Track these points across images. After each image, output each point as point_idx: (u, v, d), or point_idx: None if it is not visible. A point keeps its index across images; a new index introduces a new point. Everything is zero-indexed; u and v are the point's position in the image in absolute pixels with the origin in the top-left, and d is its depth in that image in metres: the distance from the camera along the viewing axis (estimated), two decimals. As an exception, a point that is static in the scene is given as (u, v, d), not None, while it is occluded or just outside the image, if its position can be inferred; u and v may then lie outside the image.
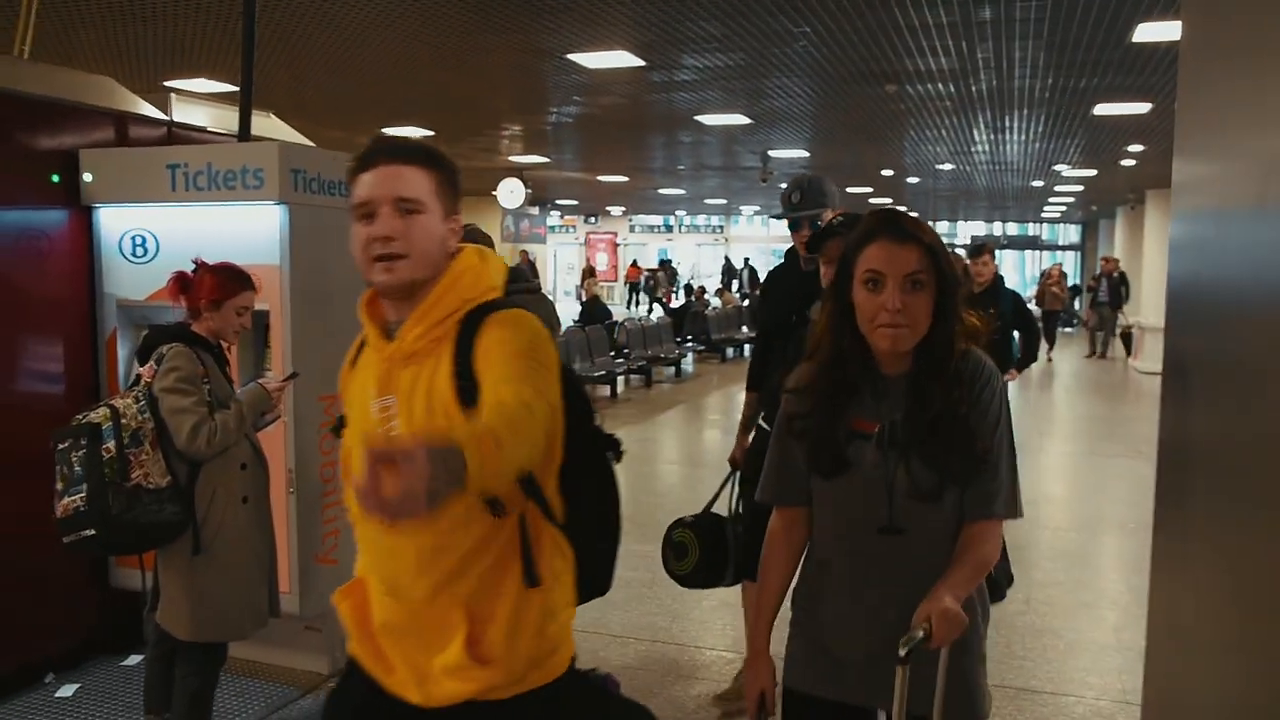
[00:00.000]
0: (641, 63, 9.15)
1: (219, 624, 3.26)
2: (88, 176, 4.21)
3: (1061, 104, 11.13)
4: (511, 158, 18.04)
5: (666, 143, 16.19)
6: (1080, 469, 9.33)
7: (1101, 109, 11.34)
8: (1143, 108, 11.09)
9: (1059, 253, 37.29)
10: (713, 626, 5.03)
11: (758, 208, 33.91)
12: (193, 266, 3.34)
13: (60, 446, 3.11)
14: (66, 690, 4.09)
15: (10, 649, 4.00)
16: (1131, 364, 17.43)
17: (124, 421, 3.12)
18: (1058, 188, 22.50)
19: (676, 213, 37.48)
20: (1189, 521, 1.81)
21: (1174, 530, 1.96)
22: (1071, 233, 39.14)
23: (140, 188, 4.16)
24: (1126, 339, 19.12)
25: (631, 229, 39.11)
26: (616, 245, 38.46)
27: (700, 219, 39.16)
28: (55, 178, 4.17)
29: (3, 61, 4.28)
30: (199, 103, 5.13)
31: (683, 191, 26.12)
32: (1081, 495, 8.29)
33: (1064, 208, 29.95)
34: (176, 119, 4.72)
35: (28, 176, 4.10)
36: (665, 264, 32.13)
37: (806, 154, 16.68)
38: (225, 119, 4.95)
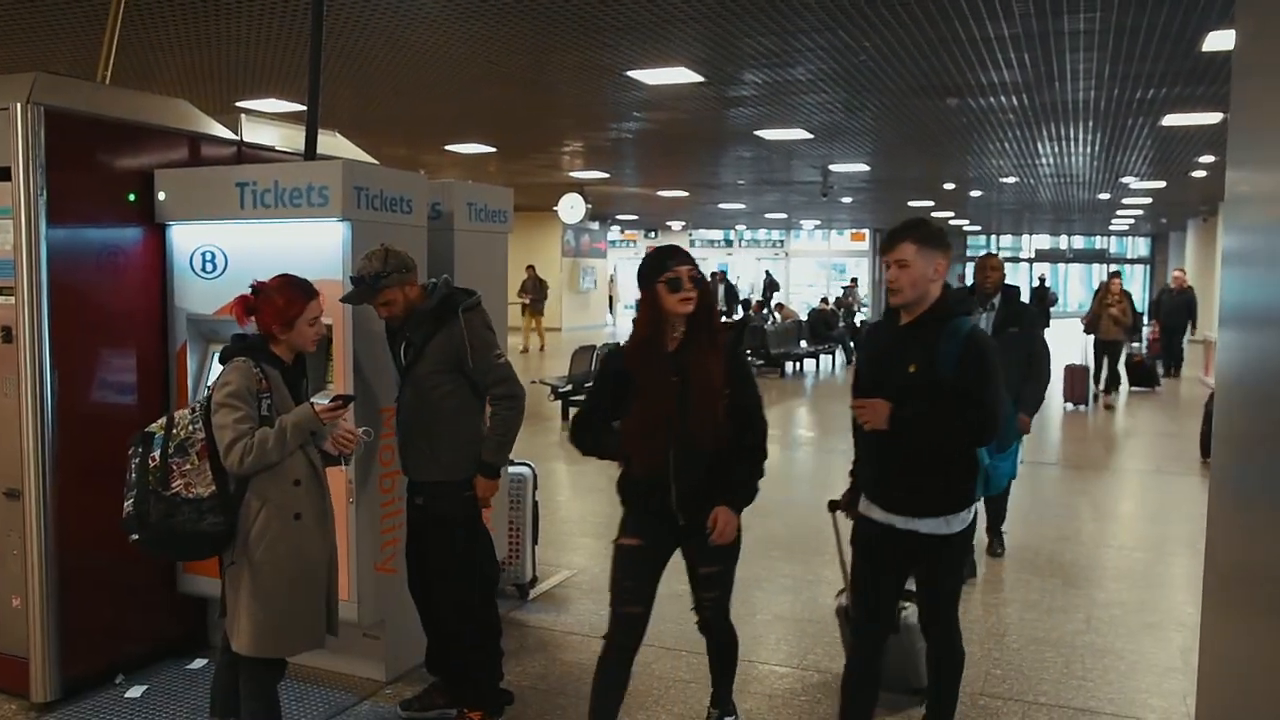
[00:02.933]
0: (701, 79, 9.20)
1: (265, 638, 3.27)
2: (161, 195, 4.37)
3: (1128, 115, 10.94)
4: (572, 173, 18.21)
5: (726, 158, 16.22)
6: (1147, 488, 9.12)
7: (1170, 120, 11.12)
8: (1214, 118, 10.85)
9: (1127, 266, 36.52)
10: (766, 640, 5.02)
11: (818, 222, 33.75)
12: (252, 289, 3.36)
13: (129, 452, 3.23)
14: (135, 691, 4.22)
15: (85, 651, 4.14)
16: (1204, 380, 16.99)
17: (174, 431, 3.21)
18: (1125, 200, 22.07)
19: (737, 227, 37.45)
20: (1243, 539, 1.79)
21: (1227, 549, 1.93)
22: (1140, 246, 38.33)
23: (211, 205, 4.30)
24: (1137, 371, 15.76)
25: (692, 243, 39.14)
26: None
27: (761, 233, 39.09)
28: (132, 196, 4.33)
29: (86, 87, 4.45)
30: (268, 122, 5.27)
31: (743, 206, 26.12)
32: (1148, 514, 8.11)
33: (1132, 220, 29.34)
34: (246, 139, 4.87)
35: (107, 196, 4.27)
36: (719, 275, 30.90)
37: (867, 168, 16.58)
38: (293, 138, 5.09)
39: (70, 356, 4.06)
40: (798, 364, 19.00)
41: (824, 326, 20.43)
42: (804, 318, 21.20)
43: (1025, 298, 6.31)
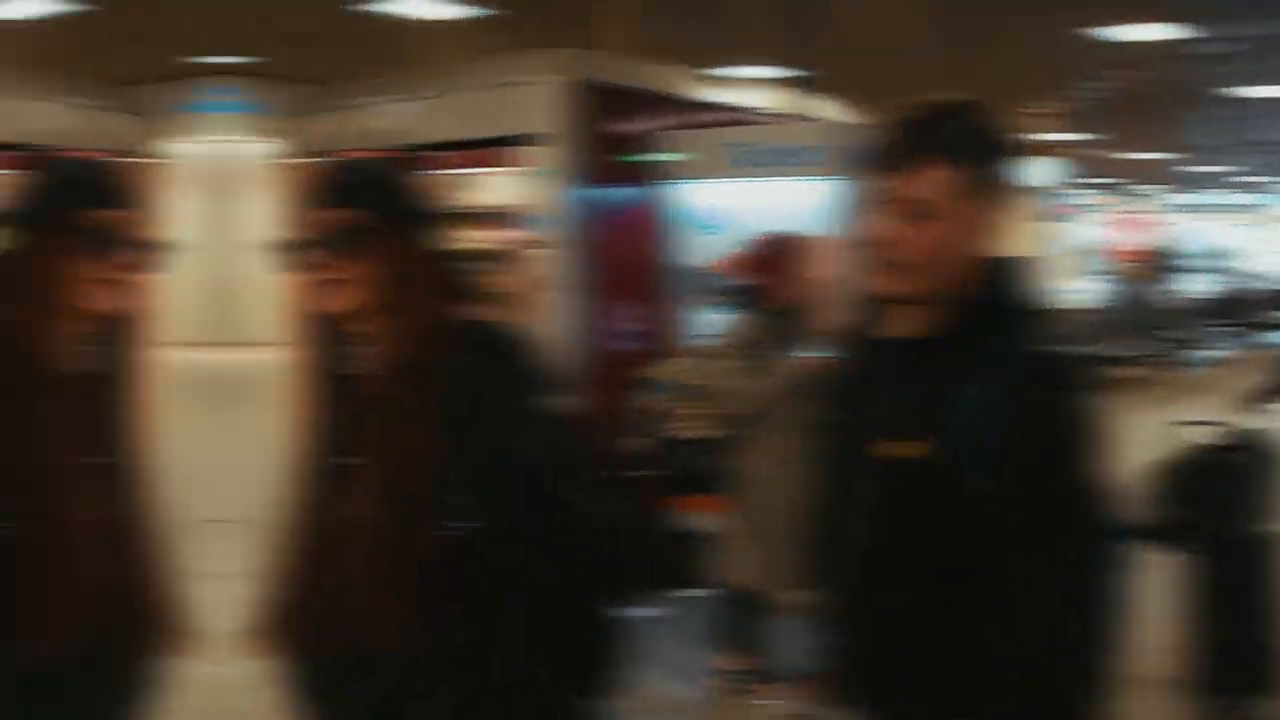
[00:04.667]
0: (1179, 34, 8.44)
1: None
2: (668, 156, 4.80)
3: None
4: (1035, 136, 17.48)
5: (1202, 119, 14.76)
6: None
7: None
8: None
9: None
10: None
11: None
12: (759, 243, 3.57)
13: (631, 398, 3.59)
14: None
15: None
16: None
17: (671, 378, 3.52)
18: None
19: (1209, 192, 33.43)
20: None
21: None
22: None
23: (707, 166, 4.68)
24: None
25: (1165, 209, 35.69)
26: (1145, 225, 35.33)
27: (1237, 197, 34.59)
28: (638, 158, 4.79)
29: (607, 59, 5.00)
30: (757, 88, 5.59)
31: (1217, 169, 23.32)
32: None
33: None
34: (738, 103, 5.19)
35: (616, 158, 4.78)
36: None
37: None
38: (780, 102, 5.35)
39: (595, 306, 4.58)
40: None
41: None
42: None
43: None
